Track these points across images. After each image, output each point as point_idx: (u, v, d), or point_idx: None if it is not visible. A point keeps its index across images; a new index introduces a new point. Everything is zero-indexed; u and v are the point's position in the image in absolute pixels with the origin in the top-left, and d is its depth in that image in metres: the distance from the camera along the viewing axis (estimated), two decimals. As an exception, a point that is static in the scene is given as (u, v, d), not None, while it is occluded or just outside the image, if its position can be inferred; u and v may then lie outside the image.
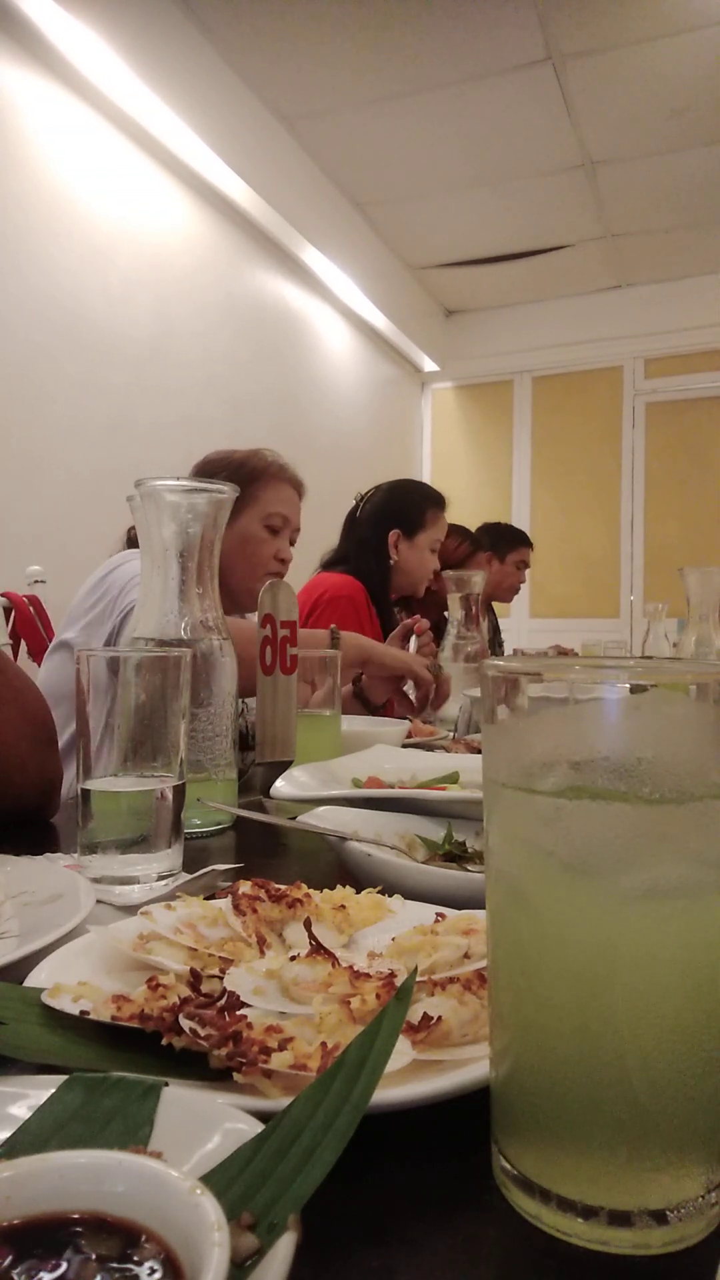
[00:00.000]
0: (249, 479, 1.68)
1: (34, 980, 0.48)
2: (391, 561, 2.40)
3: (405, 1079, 0.39)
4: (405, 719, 1.62)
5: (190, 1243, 0.26)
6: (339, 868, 0.78)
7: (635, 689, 0.33)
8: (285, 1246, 0.28)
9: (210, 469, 1.75)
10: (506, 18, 3.05)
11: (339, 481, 4.80)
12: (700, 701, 0.33)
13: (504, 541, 3.52)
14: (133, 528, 1.71)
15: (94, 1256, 0.26)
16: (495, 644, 3.46)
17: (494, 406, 5.88)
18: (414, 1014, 0.43)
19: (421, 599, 2.84)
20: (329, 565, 2.49)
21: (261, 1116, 0.35)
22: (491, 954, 0.38)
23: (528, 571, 3.63)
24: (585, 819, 0.33)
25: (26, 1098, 0.37)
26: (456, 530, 2.95)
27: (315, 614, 2.28)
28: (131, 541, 1.70)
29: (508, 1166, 0.36)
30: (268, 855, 0.91)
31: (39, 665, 1.82)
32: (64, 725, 1.51)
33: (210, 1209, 0.26)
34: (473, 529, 3.16)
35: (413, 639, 1.93)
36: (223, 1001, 0.44)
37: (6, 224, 2.68)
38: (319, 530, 2.42)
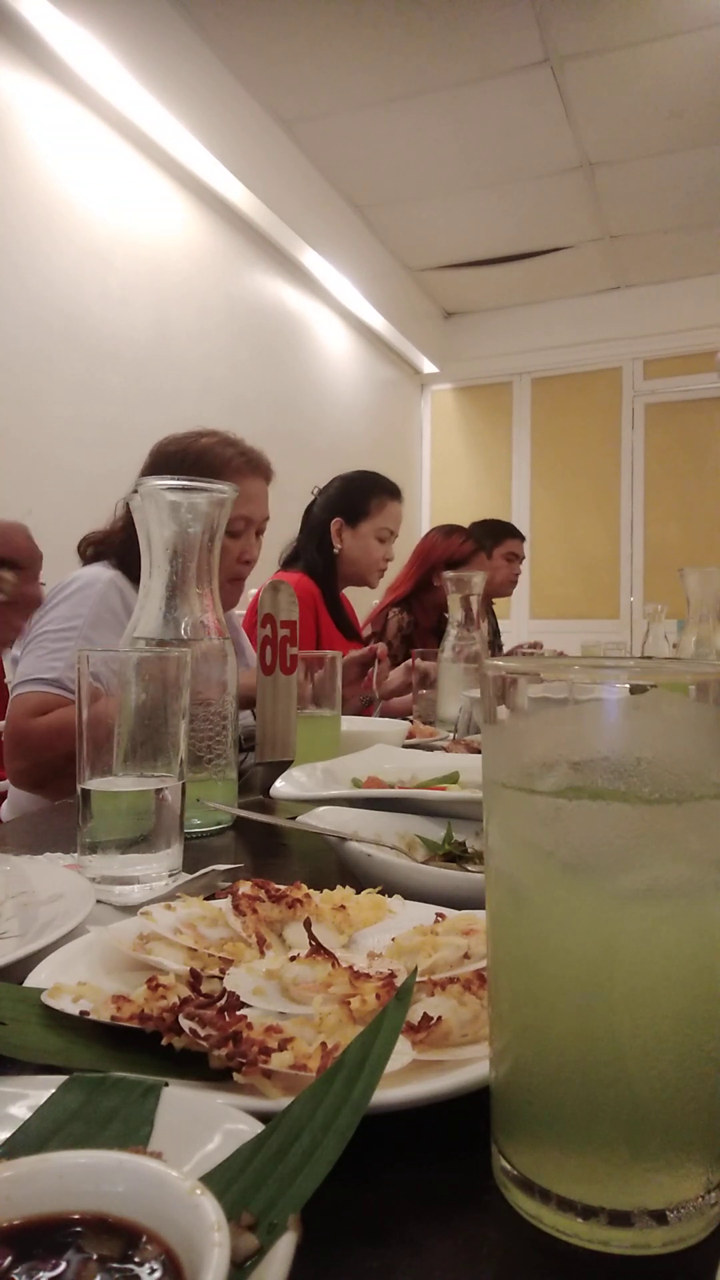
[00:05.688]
0: (207, 475, 1.45)
1: (34, 980, 0.49)
2: (335, 550, 2.38)
3: (405, 1079, 0.39)
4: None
5: (190, 1243, 0.26)
6: (339, 868, 0.78)
7: (635, 689, 0.33)
8: (285, 1246, 0.28)
9: (165, 460, 1.54)
10: (504, 20, 3.05)
11: (338, 483, 4.82)
12: (700, 701, 0.33)
13: (489, 537, 3.49)
14: (84, 539, 1.61)
15: (94, 1257, 0.26)
16: (495, 645, 3.44)
17: (493, 408, 5.88)
18: (414, 1014, 0.43)
19: (420, 600, 2.83)
20: (287, 563, 2.48)
21: (261, 1116, 0.35)
22: (491, 954, 0.38)
23: (528, 570, 3.59)
24: (585, 819, 0.33)
25: (26, 1098, 0.37)
26: (458, 529, 2.95)
27: None
28: (90, 555, 1.59)
29: (507, 1166, 0.36)
30: (268, 855, 0.91)
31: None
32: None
33: (210, 1209, 0.26)
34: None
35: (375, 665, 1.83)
36: (223, 1002, 0.44)
37: (5, 228, 2.68)
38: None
